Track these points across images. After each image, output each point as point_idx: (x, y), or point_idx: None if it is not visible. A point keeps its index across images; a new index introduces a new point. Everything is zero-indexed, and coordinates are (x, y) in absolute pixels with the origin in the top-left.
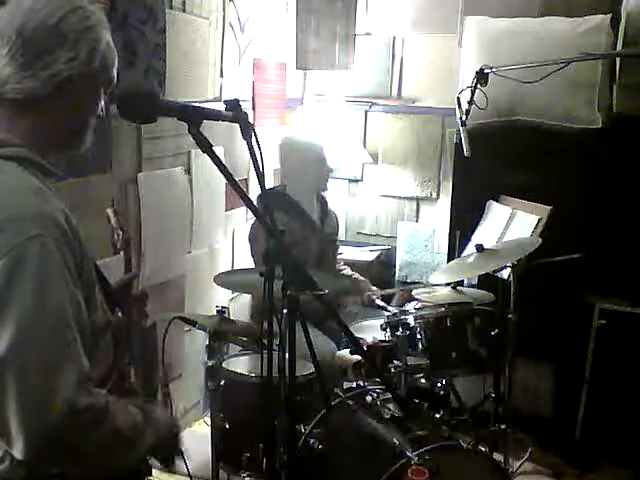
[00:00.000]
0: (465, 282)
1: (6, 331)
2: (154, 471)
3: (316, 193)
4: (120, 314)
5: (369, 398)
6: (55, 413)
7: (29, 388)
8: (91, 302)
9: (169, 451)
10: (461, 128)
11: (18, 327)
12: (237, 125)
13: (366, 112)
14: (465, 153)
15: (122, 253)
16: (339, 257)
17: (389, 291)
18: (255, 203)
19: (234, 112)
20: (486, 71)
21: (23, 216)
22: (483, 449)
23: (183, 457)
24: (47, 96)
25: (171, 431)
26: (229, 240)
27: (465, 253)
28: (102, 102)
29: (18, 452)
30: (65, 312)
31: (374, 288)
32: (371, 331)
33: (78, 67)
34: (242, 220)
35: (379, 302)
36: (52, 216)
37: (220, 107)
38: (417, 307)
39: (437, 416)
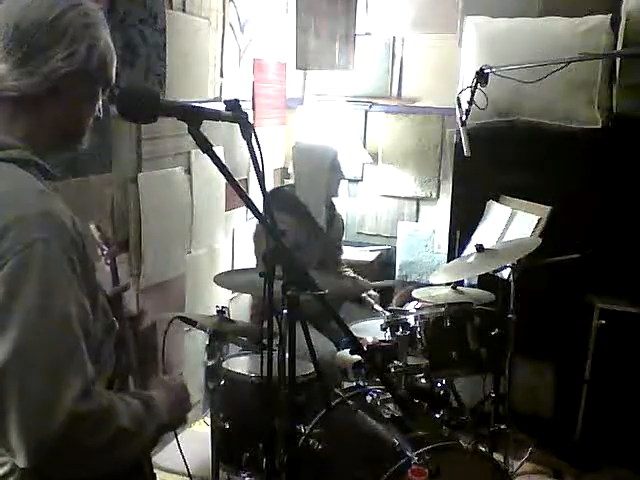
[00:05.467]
0: (465, 282)
1: (9, 336)
2: (155, 470)
3: (325, 199)
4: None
5: (369, 398)
6: (58, 422)
7: (31, 395)
8: (96, 307)
9: (176, 427)
10: (461, 128)
11: (21, 332)
12: (237, 125)
13: (366, 112)
14: (465, 153)
15: (108, 268)
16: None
17: (381, 283)
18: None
19: (234, 112)
20: (486, 71)
21: (29, 218)
22: (483, 449)
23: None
24: (45, 94)
25: (176, 409)
26: (229, 240)
27: (465, 253)
28: (100, 103)
29: (20, 461)
30: (70, 317)
31: (374, 293)
32: (371, 331)
33: (76, 64)
34: (242, 220)
35: (377, 307)
36: (59, 219)
37: (220, 107)
38: (417, 307)
39: (437, 416)
